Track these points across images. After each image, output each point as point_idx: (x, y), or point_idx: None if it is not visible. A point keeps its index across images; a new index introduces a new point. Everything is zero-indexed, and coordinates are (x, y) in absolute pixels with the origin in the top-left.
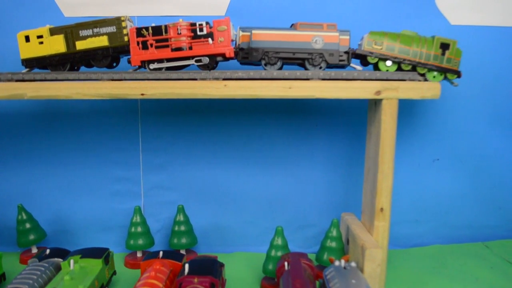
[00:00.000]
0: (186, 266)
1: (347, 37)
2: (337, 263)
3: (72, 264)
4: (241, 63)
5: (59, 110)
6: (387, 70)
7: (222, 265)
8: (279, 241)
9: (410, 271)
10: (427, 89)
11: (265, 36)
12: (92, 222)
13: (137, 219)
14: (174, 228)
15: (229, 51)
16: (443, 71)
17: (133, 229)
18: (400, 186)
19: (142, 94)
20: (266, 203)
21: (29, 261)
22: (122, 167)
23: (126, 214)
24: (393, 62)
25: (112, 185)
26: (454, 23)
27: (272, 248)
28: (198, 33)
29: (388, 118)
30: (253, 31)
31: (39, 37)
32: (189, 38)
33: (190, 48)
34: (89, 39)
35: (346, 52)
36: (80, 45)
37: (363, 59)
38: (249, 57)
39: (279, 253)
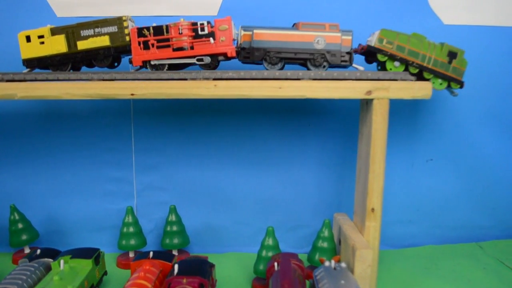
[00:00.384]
0: (176, 266)
1: (350, 37)
2: (327, 263)
3: (62, 264)
4: (242, 63)
5: (51, 111)
6: (390, 69)
7: (212, 265)
8: (270, 242)
9: (402, 271)
10: (418, 89)
11: (267, 36)
12: (85, 222)
13: (129, 219)
14: (166, 228)
15: (231, 51)
16: (448, 79)
17: (125, 230)
18: (394, 186)
19: (132, 94)
20: (259, 203)
21: (20, 261)
22: (114, 168)
23: (119, 214)
24: (401, 63)
25: (105, 185)
26: (447, 23)
27: (263, 248)
28: (200, 32)
29: (379, 118)
30: (255, 31)
31: (40, 37)
32: (190, 38)
33: (192, 47)
34: (90, 39)
35: (348, 53)
36: (82, 45)
37: (371, 56)
38: (250, 56)
39: (270, 254)
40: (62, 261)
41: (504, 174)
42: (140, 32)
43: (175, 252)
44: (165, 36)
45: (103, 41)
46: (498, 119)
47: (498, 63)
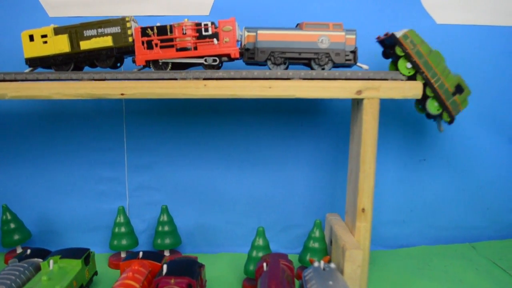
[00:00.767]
0: (165, 266)
1: (353, 36)
2: (316, 264)
3: (51, 264)
4: (246, 64)
5: (43, 111)
6: (395, 70)
7: (201, 265)
8: (260, 242)
9: (394, 272)
10: (408, 88)
11: (270, 36)
12: (78, 222)
13: (121, 219)
14: (158, 228)
15: (234, 52)
16: (444, 108)
17: (116, 230)
18: (386, 186)
19: (122, 94)
20: (251, 203)
21: (10, 261)
22: (107, 168)
23: (111, 214)
24: (413, 67)
25: (97, 186)
26: (440, 22)
27: (253, 249)
28: (203, 33)
29: (369, 118)
30: (259, 31)
31: (43, 36)
32: (194, 38)
33: (195, 48)
34: (93, 39)
35: (352, 52)
36: (84, 45)
37: (390, 48)
38: (255, 57)
39: (261, 254)
40: (51, 261)
41: (497, 174)
42: (144, 31)
43: (167, 253)
44: (169, 36)
45: (106, 42)
46: (492, 119)
47: (491, 63)
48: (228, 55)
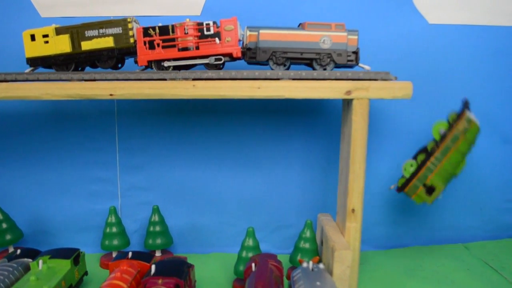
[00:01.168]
0: (153, 267)
1: (355, 37)
2: (305, 264)
3: (40, 264)
4: (248, 63)
5: (35, 111)
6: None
7: (190, 266)
8: (250, 242)
9: (385, 272)
10: (398, 88)
11: (272, 36)
12: (70, 223)
13: (112, 219)
14: (149, 228)
15: (236, 51)
16: (409, 178)
17: (108, 230)
18: (379, 186)
19: (111, 95)
20: (243, 203)
21: None
22: (99, 168)
23: (103, 214)
24: (441, 136)
25: (89, 186)
26: (432, 22)
27: (243, 249)
28: (205, 32)
29: (359, 118)
30: (261, 31)
31: (45, 36)
32: (196, 38)
33: (197, 48)
34: (94, 40)
35: (354, 52)
36: (86, 45)
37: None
38: (256, 57)
39: (250, 254)
40: (40, 261)
41: (491, 174)
42: (146, 31)
43: (158, 253)
44: (171, 36)
45: (107, 42)
46: (485, 119)
47: (484, 63)
48: (230, 55)
